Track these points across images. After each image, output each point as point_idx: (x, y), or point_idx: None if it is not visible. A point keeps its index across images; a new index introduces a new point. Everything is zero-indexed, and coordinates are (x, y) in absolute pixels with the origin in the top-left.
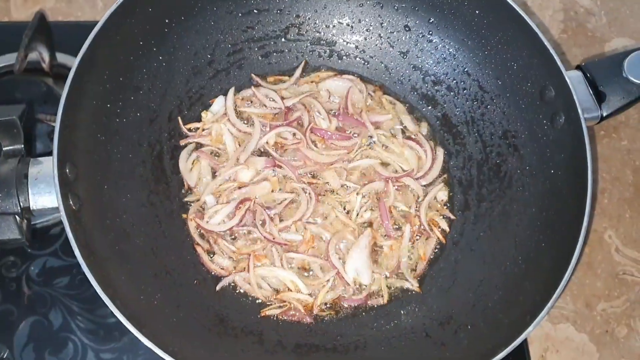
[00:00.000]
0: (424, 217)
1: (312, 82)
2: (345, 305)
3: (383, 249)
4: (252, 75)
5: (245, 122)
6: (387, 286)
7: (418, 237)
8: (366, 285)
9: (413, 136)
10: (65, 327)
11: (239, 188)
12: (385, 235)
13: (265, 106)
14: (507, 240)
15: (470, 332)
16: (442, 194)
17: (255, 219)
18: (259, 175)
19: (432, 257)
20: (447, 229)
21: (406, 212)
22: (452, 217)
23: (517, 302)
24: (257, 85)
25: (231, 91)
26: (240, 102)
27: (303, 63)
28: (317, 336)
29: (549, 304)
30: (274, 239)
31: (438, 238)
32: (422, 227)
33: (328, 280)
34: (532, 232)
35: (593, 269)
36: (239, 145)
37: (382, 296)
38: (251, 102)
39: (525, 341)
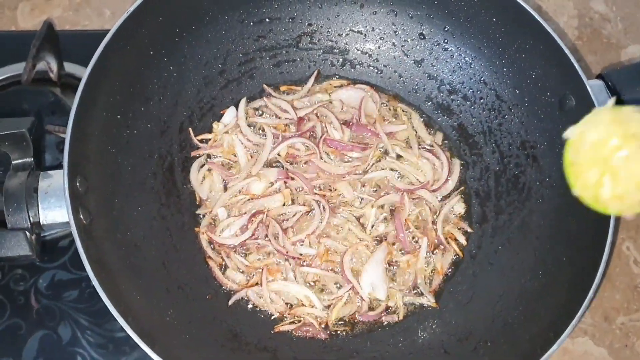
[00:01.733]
0: (441, 230)
1: (324, 91)
2: (361, 321)
3: (399, 264)
4: (264, 85)
5: (258, 133)
6: (403, 302)
7: (435, 251)
8: (382, 301)
9: (429, 147)
10: (75, 341)
11: (251, 200)
12: (400, 250)
13: (278, 117)
14: (527, 253)
15: (490, 349)
16: (459, 206)
17: (268, 232)
18: (272, 187)
19: (449, 271)
20: (465, 243)
21: (422, 225)
22: (470, 230)
23: (539, 317)
24: (269, 96)
25: (243, 101)
26: (252, 112)
27: (315, 72)
28: (333, 352)
29: (573, 321)
30: (287, 252)
31: (455, 252)
32: (438, 240)
33: (342, 296)
34: (552, 245)
35: (611, 281)
36: (251, 157)
37: (398, 313)
38: (263, 112)
39: None
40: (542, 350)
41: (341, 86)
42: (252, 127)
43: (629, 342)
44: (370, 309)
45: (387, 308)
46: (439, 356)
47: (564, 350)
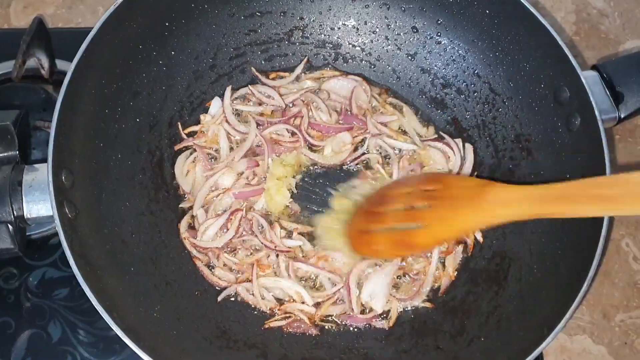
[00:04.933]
0: None
1: (315, 80)
2: (349, 323)
3: (417, 272)
4: (252, 69)
5: (244, 122)
6: (397, 309)
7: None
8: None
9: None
10: (65, 340)
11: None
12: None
13: (264, 104)
14: (522, 248)
15: (484, 345)
16: None
17: (253, 227)
18: (241, 178)
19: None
20: (482, 240)
21: None
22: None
23: (533, 312)
24: (255, 84)
25: (228, 90)
26: (240, 101)
27: (305, 60)
28: (324, 349)
29: (567, 315)
30: (275, 247)
31: (469, 247)
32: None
33: (335, 293)
34: (547, 239)
35: (610, 278)
36: (233, 148)
37: (389, 320)
38: (249, 100)
39: (540, 354)
40: (535, 345)
41: (333, 76)
42: (238, 116)
43: (628, 340)
44: (362, 312)
45: (381, 314)
46: (433, 352)
47: (563, 348)
